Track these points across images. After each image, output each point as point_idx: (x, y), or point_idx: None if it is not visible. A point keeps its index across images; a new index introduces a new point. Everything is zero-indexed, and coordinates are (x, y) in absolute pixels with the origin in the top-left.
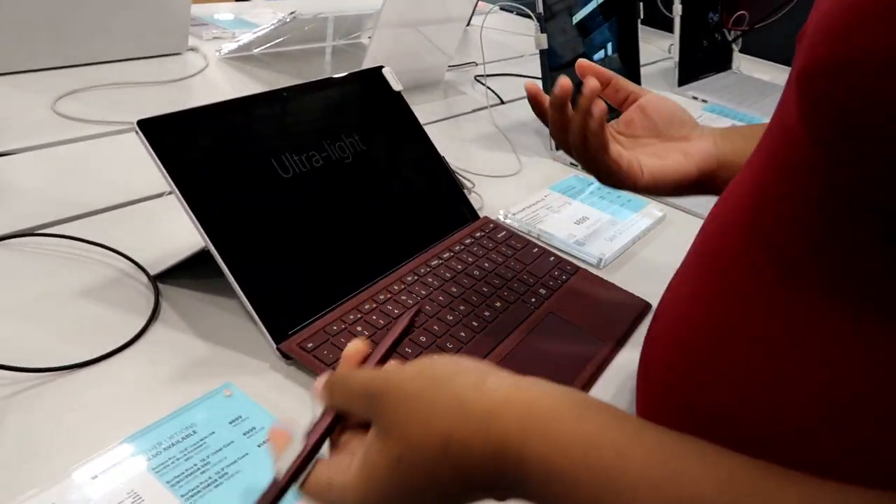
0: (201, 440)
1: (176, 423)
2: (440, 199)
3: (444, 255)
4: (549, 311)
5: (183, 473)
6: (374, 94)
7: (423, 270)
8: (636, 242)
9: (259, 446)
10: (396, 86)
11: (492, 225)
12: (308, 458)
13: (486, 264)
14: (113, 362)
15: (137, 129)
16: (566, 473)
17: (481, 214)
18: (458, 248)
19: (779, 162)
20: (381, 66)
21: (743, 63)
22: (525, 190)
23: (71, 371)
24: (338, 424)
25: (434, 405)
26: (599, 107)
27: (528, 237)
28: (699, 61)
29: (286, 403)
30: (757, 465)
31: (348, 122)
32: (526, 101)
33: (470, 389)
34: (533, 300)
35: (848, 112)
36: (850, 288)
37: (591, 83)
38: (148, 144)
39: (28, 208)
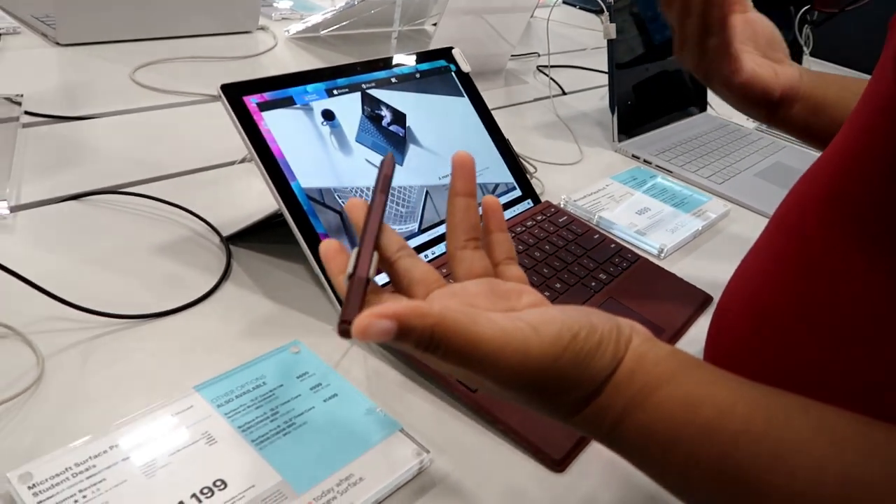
0: (270, 391)
1: (247, 373)
2: (510, 174)
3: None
4: (608, 297)
5: (253, 420)
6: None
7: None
8: (698, 236)
9: (325, 401)
10: (465, 67)
11: (553, 209)
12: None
13: (547, 247)
14: (187, 315)
15: (220, 92)
16: (665, 434)
17: (542, 199)
18: (519, 229)
19: (868, 138)
20: (451, 47)
21: (812, 67)
22: (586, 179)
23: (148, 320)
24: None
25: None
26: None
27: (589, 224)
28: None
29: (350, 364)
30: (858, 419)
31: (425, 99)
32: (587, 92)
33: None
34: (593, 284)
35: None
36: None
37: None
38: (230, 108)
39: (108, 168)
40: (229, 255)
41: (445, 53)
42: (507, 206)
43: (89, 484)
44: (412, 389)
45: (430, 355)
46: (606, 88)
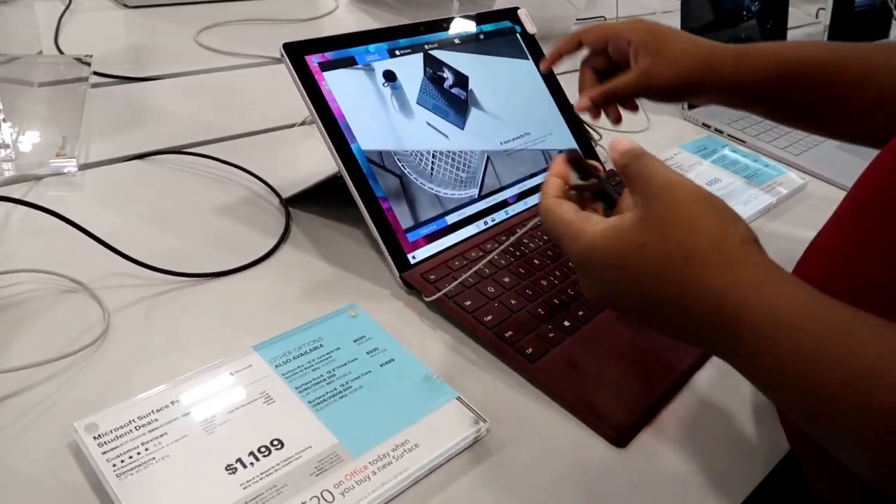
0: (328, 353)
1: (304, 335)
2: (571, 137)
3: None
4: None
5: (310, 382)
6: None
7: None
8: (772, 210)
9: (381, 366)
10: (531, 28)
11: (618, 178)
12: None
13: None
14: (246, 275)
15: (283, 51)
16: (786, 318)
17: (607, 168)
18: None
19: None
20: (517, 8)
21: None
22: (653, 147)
23: (209, 279)
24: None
25: (699, 227)
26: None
27: None
28: (851, 27)
29: (407, 330)
30: None
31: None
32: None
33: (735, 238)
34: None
35: None
36: None
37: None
38: (291, 67)
39: (172, 129)
40: (288, 218)
41: (511, 14)
42: None
43: (151, 437)
44: (470, 358)
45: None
46: None
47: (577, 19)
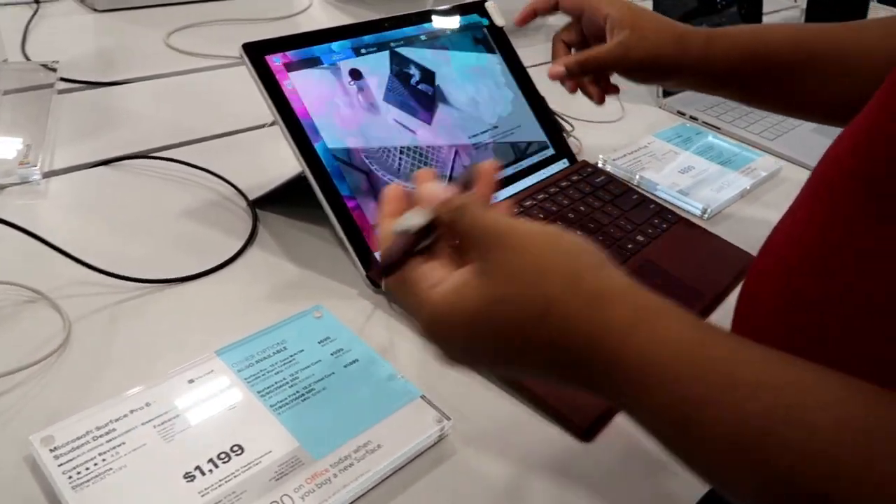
0: (291, 356)
1: (268, 338)
2: (544, 134)
3: (539, 196)
4: (645, 260)
5: (273, 385)
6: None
7: (516, 210)
8: (746, 195)
9: (345, 367)
10: (500, 21)
11: (590, 169)
12: (408, 250)
13: (582, 208)
14: (212, 279)
15: (242, 52)
16: (669, 367)
17: (579, 159)
18: (552, 189)
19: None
20: (485, 0)
21: (881, 14)
22: (627, 137)
23: (174, 284)
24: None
25: (551, 269)
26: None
27: (629, 184)
28: (829, 10)
29: (373, 329)
30: (873, 389)
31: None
32: None
33: (590, 268)
34: (629, 247)
35: None
36: None
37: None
38: (251, 67)
39: (140, 133)
40: (255, 219)
41: (478, 7)
42: (540, 165)
43: (108, 448)
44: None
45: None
46: None
47: None
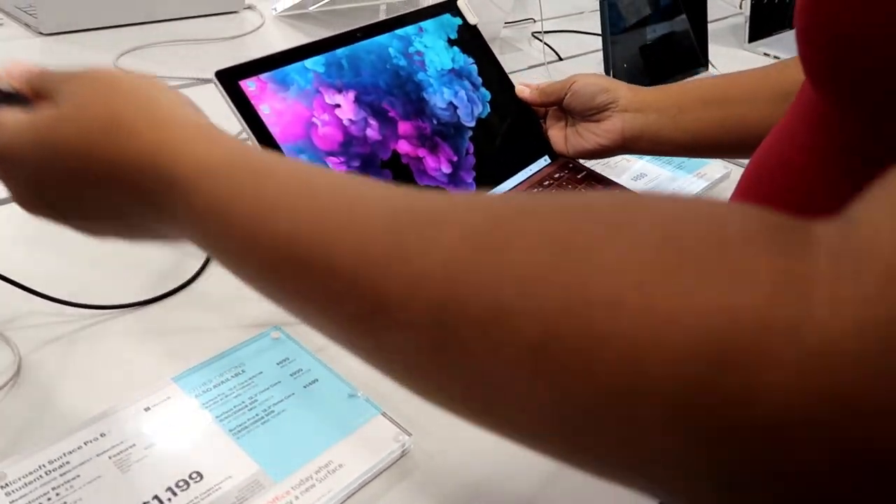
0: (249, 379)
1: (225, 361)
2: (523, 132)
3: (534, 193)
4: None
5: (231, 409)
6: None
7: None
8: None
9: (305, 387)
10: (473, 19)
11: (571, 164)
12: None
13: None
14: (169, 303)
15: (216, 80)
16: (225, 171)
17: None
18: (537, 189)
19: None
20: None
21: None
22: None
23: (130, 310)
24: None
25: (123, 91)
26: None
27: (609, 178)
28: (772, 16)
29: (332, 348)
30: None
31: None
32: (584, 57)
33: (165, 97)
34: None
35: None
36: None
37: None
38: (226, 95)
39: None
40: None
41: (451, 7)
42: (523, 162)
43: (63, 481)
44: None
45: None
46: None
47: (506, 23)
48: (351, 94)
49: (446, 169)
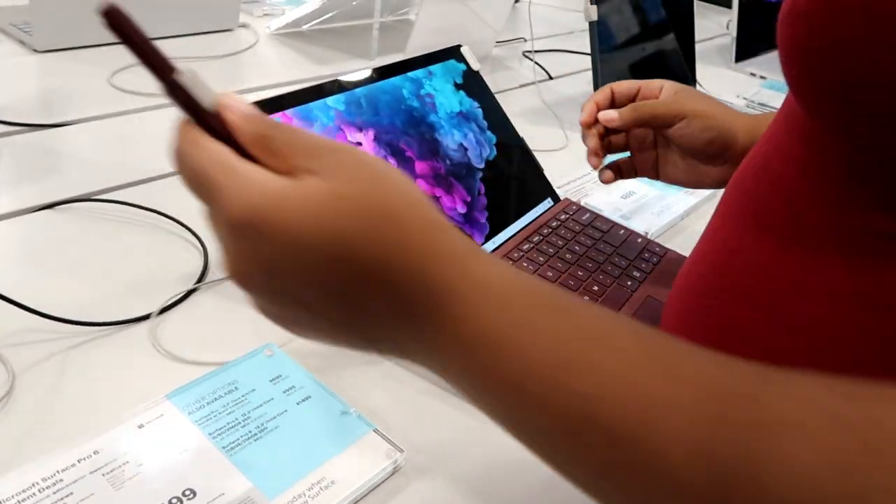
0: (243, 396)
1: (219, 378)
2: (527, 174)
3: (534, 239)
4: (647, 295)
5: (225, 426)
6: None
7: (516, 255)
8: (685, 217)
9: (298, 404)
10: (475, 65)
11: (574, 207)
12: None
13: (577, 247)
14: (163, 319)
15: None
16: (500, 293)
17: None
18: (545, 231)
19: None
20: (460, 45)
21: None
22: (571, 165)
23: (124, 327)
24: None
25: (388, 175)
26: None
27: (612, 220)
28: (758, 37)
29: (325, 364)
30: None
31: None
32: (574, 76)
33: (426, 199)
34: (629, 283)
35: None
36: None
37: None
38: None
39: (85, 175)
40: (206, 258)
41: (455, 52)
42: (528, 206)
43: (55, 499)
44: (389, 388)
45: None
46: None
47: (497, 42)
48: (371, 133)
49: (461, 209)
